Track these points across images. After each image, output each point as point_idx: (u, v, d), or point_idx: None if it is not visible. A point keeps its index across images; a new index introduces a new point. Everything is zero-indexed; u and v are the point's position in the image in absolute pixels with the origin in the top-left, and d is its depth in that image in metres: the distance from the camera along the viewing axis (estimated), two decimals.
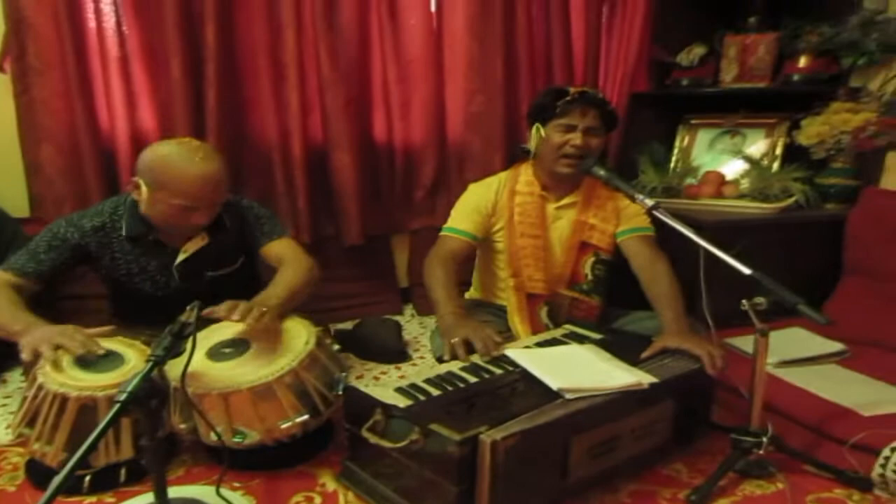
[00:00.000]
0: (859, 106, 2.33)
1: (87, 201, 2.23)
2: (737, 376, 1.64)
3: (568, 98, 1.88)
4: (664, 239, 1.96)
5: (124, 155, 2.30)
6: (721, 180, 2.58)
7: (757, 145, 2.67)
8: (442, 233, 2.06)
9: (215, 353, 1.51)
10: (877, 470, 1.43)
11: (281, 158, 2.45)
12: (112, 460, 1.39)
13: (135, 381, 1.09)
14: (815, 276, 2.34)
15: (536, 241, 2.02)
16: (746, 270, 1.44)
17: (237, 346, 1.52)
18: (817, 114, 2.41)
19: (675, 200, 2.58)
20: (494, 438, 1.20)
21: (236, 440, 1.40)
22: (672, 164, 2.79)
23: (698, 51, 2.71)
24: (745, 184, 2.54)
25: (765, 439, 1.47)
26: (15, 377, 2.07)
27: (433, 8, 2.55)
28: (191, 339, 1.21)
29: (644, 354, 1.64)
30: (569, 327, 1.91)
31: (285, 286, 1.69)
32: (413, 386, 1.45)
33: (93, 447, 1.05)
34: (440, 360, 1.82)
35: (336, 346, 1.69)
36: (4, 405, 1.90)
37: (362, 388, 1.43)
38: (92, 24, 2.21)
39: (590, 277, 2.03)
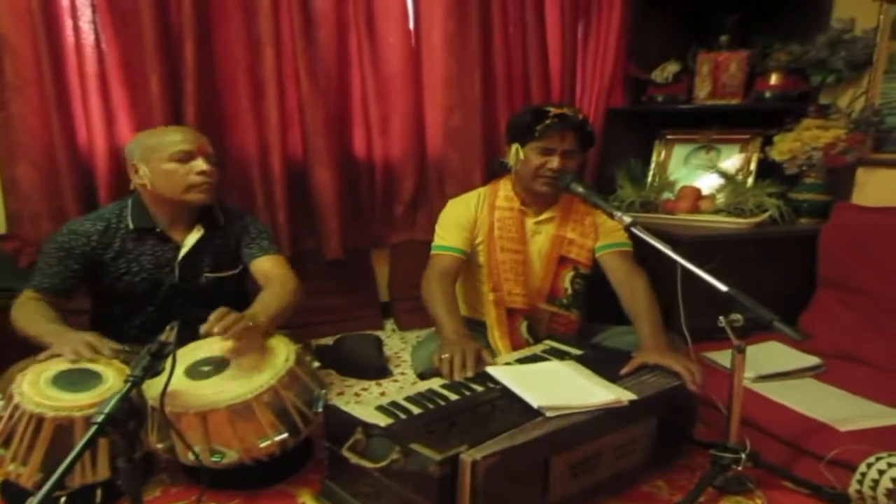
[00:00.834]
0: (829, 123, 2.38)
1: (63, 218, 2.18)
2: (715, 391, 1.65)
3: (548, 122, 1.89)
4: (642, 254, 1.97)
5: (102, 171, 2.26)
6: (697, 195, 2.61)
7: (731, 160, 2.71)
8: (433, 252, 2.06)
9: (194, 372, 1.48)
10: (853, 486, 1.44)
11: (260, 173, 2.44)
12: (88, 481, 1.36)
13: (112, 402, 1.08)
14: (790, 290, 2.38)
15: (516, 255, 2.02)
16: (723, 287, 1.45)
17: (216, 365, 1.50)
18: (789, 130, 2.46)
19: (652, 215, 2.61)
20: (475, 458, 1.20)
21: (214, 459, 1.38)
22: (649, 179, 2.82)
23: (672, 68, 2.75)
24: (720, 199, 2.58)
25: (743, 455, 1.48)
26: None
27: (411, 25, 2.56)
28: (170, 358, 1.20)
29: (623, 371, 1.65)
30: (549, 343, 1.91)
31: (270, 305, 1.68)
32: (394, 404, 1.44)
33: (69, 469, 1.03)
34: (422, 377, 1.82)
35: (316, 364, 1.68)
36: None
37: (342, 407, 1.42)
38: (70, 40, 2.18)
39: (569, 292, 2.04)
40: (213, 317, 1.47)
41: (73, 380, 1.40)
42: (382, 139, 2.64)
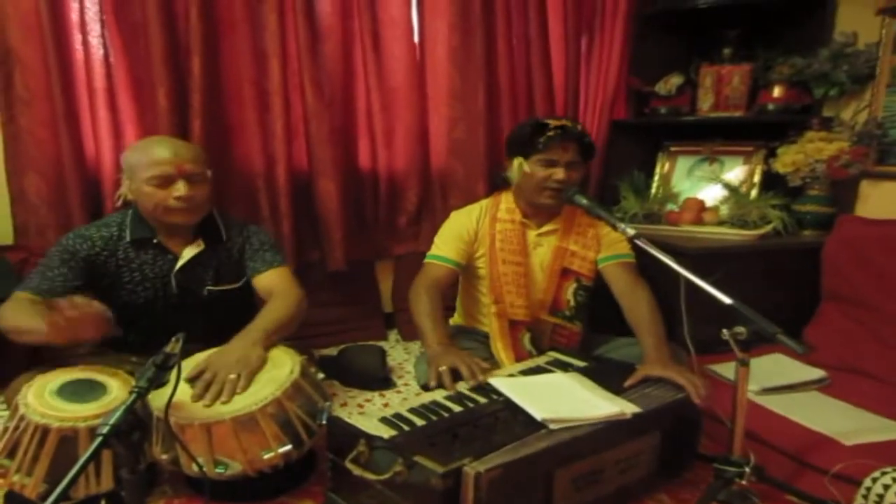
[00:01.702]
0: (832, 135, 2.38)
1: (70, 229, 2.18)
2: (719, 404, 1.64)
3: (550, 133, 1.90)
4: (645, 266, 1.97)
5: (109, 183, 2.28)
6: (701, 207, 2.61)
7: (735, 172, 2.71)
8: (426, 260, 2.07)
9: None
10: (858, 501, 1.42)
11: (266, 185, 2.46)
12: (92, 492, 1.36)
13: (117, 414, 1.08)
14: (794, 302, 2.37)
15: (518, 267, 2.03)
16: (726, 300, 1.44)
17: None
18: (792, 142, 2.46)
19: (656, 227, 2.60)
20: (478, 470, 1.19)
21: (218, 471, 1.38)
22: (653, 191, 2.82)
23: (675, 80, 2.76)
24: (724, 210, 2.58)
25: (747, 469, 1.46)
26: None
27: (416, 39, 2.58)
28: (175, 370, 1.20)
29: (627, 383, 1.64)
30: (553, 354, 1.91)
31: (273, 319, 1.68)
32: (397, 416, 1.44)
33: (74, 481, 1.03)
34: (425, 388, 1.81)
35: (320, 375, 1.68)
36: None
37: (346, 419, 1.42)
38: (79, 54, 2.20)
39: (572, 304, 2.04)
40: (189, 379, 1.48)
41: (78, 390, 1.41)
42: (387, 151, 2.65)
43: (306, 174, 2.51)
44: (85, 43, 2.20)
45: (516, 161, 2.00)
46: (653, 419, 1.50)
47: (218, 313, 1.87)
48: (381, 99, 2.58)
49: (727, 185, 2.62)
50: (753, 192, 2.59)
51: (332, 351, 2.47)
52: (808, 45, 2.53)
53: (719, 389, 1.71)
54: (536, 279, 2.05)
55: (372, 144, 2.62)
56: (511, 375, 1.71)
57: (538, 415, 1.40)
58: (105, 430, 1.05)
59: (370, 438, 1.32)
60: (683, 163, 2.85)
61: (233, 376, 1.47)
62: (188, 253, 1.82)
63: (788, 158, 2.41)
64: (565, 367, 1.79)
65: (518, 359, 1.94)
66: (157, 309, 1.84)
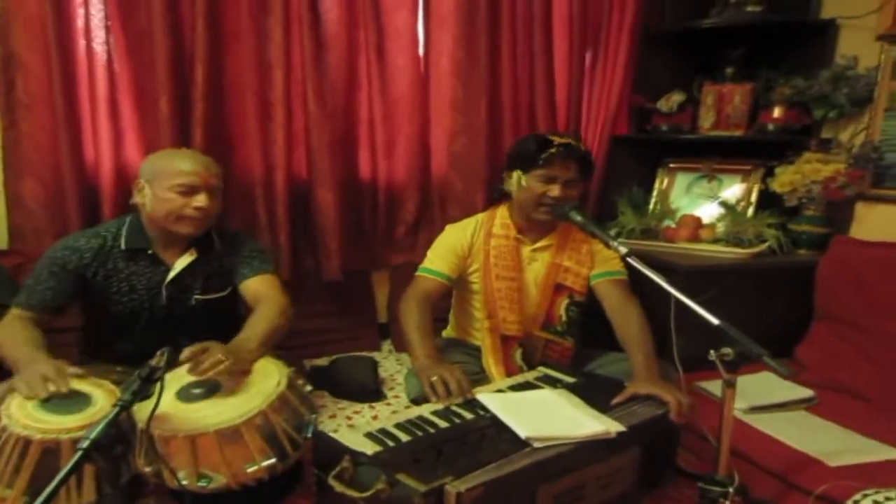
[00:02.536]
0: (829, 157, 2.37)
1: (66, 234, 2.19)
2: (706, 421, 1.63)
3: (552, 150, 1.90)
4: (638, 282, 1.97)
5: (108, 190, 2.28)
6: (698, 224, 2.60)
7: (732, 190, 2.70)
8: (418, 273, 2.08)
9: (185, 394, 1.49)
10: None
11: (264, 193, 2.45)
12: None
13: (98, 428, 1.08)
14: (787, 320, 2.36)
15: (511, 283, 2.02)
16: (714, 321, 1.44)
17: (208, 388, 1.50)
18: (790, 163, 2.45)
19: (652, 243, 2.59)
20: (459, 490, 1.19)
21: (201, 484, 1.37)
22: (651, 207, 2.81)
23: (677, 98, 2.75)
24: (720, 228, 2.57)
25: (731, 489, 1.46)
26: None
27: (421, 51, 2.58)
28: (159, 383, 1.20)
29: (614, 401, 1.64)
30: (543, 370, 1.90)
31: (258, 330, 1.68)
32: (383, 431, 1.44)
33: (54, 494, 1.03)
34: (415, 402, 1.82)
35: (308, 388, 1.68)
36: None
37: (331, 434, 1.41)
38: (83, 60, 2.20)
39: (564, 319, 2.03)
40: (188, 352, 1.47)
41: (62, 402, 1.39)
42: (387, 161, 2.65)
43: (305, 183, 2.50)
44: (89, 49, 2.19)
45: (516, 174, 2.00)
46: (634, 435, 1.50)
47: (204, 321, 1.87)
48: (384, 109, 2.57)
49: (724, 203, 2.61)
50: (750, 211, 2.58)
51: (325, 361, 2.47)
52: (810, 67, 2.53)
53: (708, 407, 1.70)
54: (530, 294, 2.05)
55: (372, 155, 2.62)
56: (499, 391, 1.71)
57: (522, 432, 1.40)
58: (85, 444, 1.05)
59: (354, 454, 1.32)
60: (682, 179, 2.84)
61: (222, 357, 1.47)
62: (180, 263, 1.83)
63: (786, 178, 2.40)
64: (554, 382, 1.78)
65: (509, 374, 1.94)
66: (145, 319, 1.84)
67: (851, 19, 2.43)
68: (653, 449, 1.58)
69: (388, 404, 2.14)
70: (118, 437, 1.12)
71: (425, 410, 1.57)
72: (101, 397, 1.43)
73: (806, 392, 2.02)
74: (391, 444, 1.38)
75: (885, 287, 2.12)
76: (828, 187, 2.31)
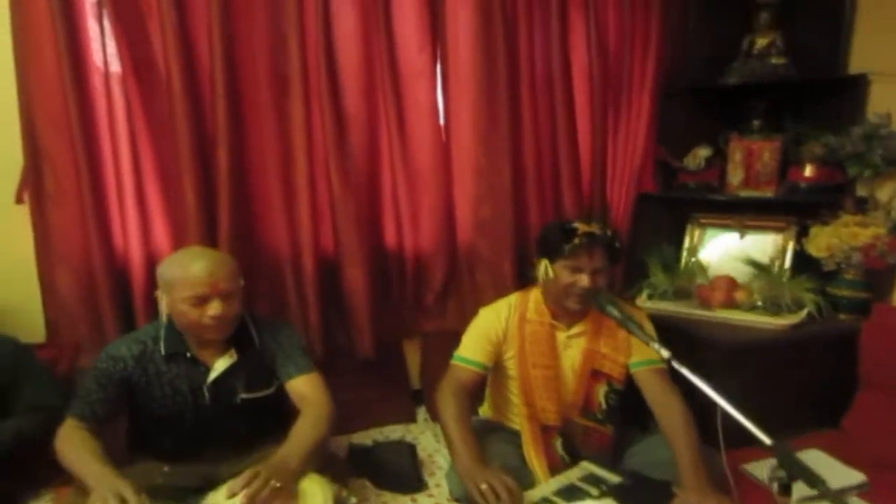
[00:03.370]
0: (867, 219, 2.30)
1: (100, 324, 2.24)
2: None
3: (576, 241, 1.86)
4: (679, 355, 1.91)
5: (139, 277, 2.26)
6: (732, 285, 2.53)
7: (765, 248, 2.63)
8: (453, 361, 2.03)
9: None
10: None
11: (293, 271, 2.42)
12: None
13: None
14: (831, 388, 2.28)
15: (548, 371, 1.98)
16: (767, 441, 1.38)
17: None
18: (825, 223, 2.38)
19: (687, 310, 2.50)
20: None
21: None
22: (681, 264, 2.75)
23: (703, 153, 2.69)
24: (755, 289, 2.49)
25: None
26: None
27: (442, 121, 2.54)
28: None
29: None
30: (587, 467, 1.85)
31: (303, 444, 1.64)
32: None
33: None
34: (459, 502, 1.78)
35: (353, 500, 1.64)
36: None
37: None
38: (107, 150, 2.19)
39: (603, 406, 1.99)
40: (239, 482, 1.44)
41: None
42: (412, 231, 2.61)
43: (333, 260, 2.47)
44: (113, 139, 2.18)
45: (543, 263, 1.96)
46: None
47: (252, 419, 1.86)
48: (406, 180, 2.54)
49: (758, 265, 2.54)
50: (786, 272, 2.51)
51: (363, 438, 2.44)
52: (839, 121, 2.46)
53: (754, 493, 1.64)
54: (567, 381, 2.00)
55: (398, 225, 2.58)
56: (545, 499, 1.66)
57: None
58: None
59: None
60: (712, 235, 2.78)
61: (278, 484, 1.45)
62: (221, 365, 1.81)
63: (822, 242, 2.34)
64: (599, 482, 1.74)
65: (550, 465, 1.88)
66: (190, 418, 1.81)
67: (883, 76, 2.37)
68: None
69: (430, 496, 2.09)
70: None
71: None
72: None
73: (858, 477, 1.94)
74: None
75: None
76: (868, 255, 2.24)
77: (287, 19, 2.22)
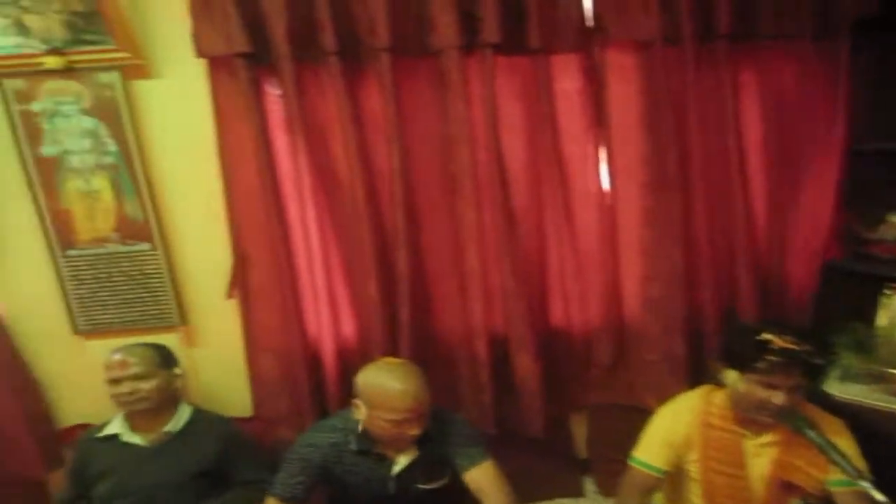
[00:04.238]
0: None
1: (297, 401, 2.44)
2: None
3: (773, 359, 1.73)
4: (873, 455, 1.74)
5: (329, 362, 2.43)
6: None
7: None
8: (632, 464, 1.98)
9: None
10: None
11: (467, 358, 2.49)
12: None
13: None
14: None
15: (734, 480, 1.88)
16: None
17: None
18: None
19: (886, 400, 2.26)
20: None
21: None
22: (875, 345, 2.48)
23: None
24: None
25: None
26: None
27: (608, 204, 2.49)
28: None
29: None
30: None
31: None
32: None
33: None
34: None
35: None
36: None
37: None
38: (301, 251, 2.37)
39: None
40: None
41: None
42: (580, 311, 2.58)
43: (503, 344, 2.50)
44: (306, 241, 2.35)
45: (732, 374, 1.86)
46: None
47: (433, 501, 1.99)
48: (574, 263, 2.51)
49: None
50: None
51: None
52: None
53: None
54: (754, 489, 1.89)
55: (565, 306, 2.56)
56: None
57: None
58: None
59: None
60: None
61: None
62: (404, 460, 1.96)
63: None
64: None
65: None
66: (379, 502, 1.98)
67: None
68: None
69: None
70: None
71: None
72: None
73: None
74: None
75: None
76: None
77: (456, 122, 2.28)
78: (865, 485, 1.51)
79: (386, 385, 1.84)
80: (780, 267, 2.56)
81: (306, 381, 2.43)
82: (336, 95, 2.19)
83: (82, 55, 2.12)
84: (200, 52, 2.12)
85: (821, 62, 2.46)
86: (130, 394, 2.11)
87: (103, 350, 2.22)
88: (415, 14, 2.19)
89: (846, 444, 1.82)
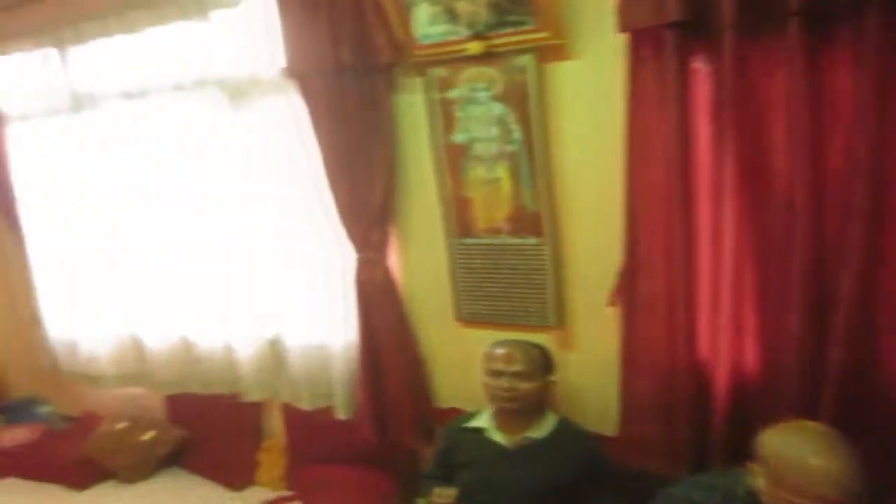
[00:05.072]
0: None
1: (674, 432, 2.10)
2: None
3: None
4: None
5: (721, 395, 2.03)
6: None
7: None
8: None
9: None
10: None
11: None
12: None
13: None
14: None
15: None
16: None
17: None
18: None
19: None
20: None
21: None
22: None
23: None
24: None
25: None
26: None
27: None
28: None
29: None
30: None
31: None
32: None
33: None
34: None
35: None
36: None
37: None
38: (705, 261, 2.00)
39: None
40: None
41: None
42: None
43: None
44: (715, 249, 1.97)
45: None
46: None
47: None
48: None
49: None
50: None
51: None
52: None
53: None
54: None
55: None
56: None
57: None
58: None
59: None
60: None
61: None
62: None
63: None
64: None
65: None
66: None
67: None
68: None
69: None
70: None
71: None
72: None
73: None
74: None
75: None
76: None
77: None
78: None
79: (809, 463, 1.41)
80: None
81: (686, 410, 2.08)
82: (790, 70, 1.73)
83: (502, 38, 2.03)
84: (624, 26, 1.87)
85: None
86: (508, 390, 2.02)
87: (477, 340, 2.20)
88: None
89: None
